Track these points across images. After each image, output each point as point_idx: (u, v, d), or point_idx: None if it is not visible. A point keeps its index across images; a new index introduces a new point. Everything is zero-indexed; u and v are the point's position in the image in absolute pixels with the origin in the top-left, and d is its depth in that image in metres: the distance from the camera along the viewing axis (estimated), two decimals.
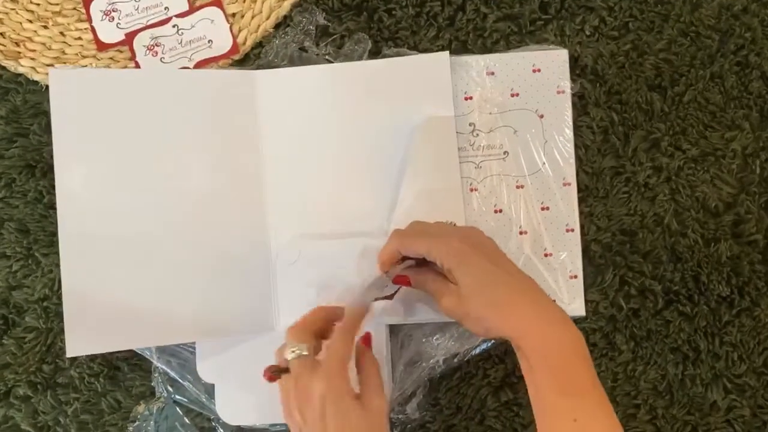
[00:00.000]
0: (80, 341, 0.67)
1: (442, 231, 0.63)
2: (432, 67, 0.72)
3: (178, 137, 0.71)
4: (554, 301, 0.59)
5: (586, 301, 0.72)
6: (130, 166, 0.70)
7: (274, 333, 0.71)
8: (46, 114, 0.75)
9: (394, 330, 0.73)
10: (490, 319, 0.58)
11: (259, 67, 0.75)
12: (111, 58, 0.76)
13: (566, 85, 0.73)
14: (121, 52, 0.76)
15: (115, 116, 0.70)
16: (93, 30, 0.76)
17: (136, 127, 0.71)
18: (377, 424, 0.57)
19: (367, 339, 0.65)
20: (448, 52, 0.73)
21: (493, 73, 0.73)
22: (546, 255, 0.72)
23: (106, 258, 0.69)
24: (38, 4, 0.76)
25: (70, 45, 0.76)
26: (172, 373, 0.72)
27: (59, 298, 0.74)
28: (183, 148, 0.71)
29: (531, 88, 0.73)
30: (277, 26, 0.76)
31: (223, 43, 0.75)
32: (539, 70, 0.73)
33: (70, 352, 0.68)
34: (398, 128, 0.72)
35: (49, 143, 0.74)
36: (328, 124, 0.73)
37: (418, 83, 0.72)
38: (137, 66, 0.75)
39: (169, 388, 0.73)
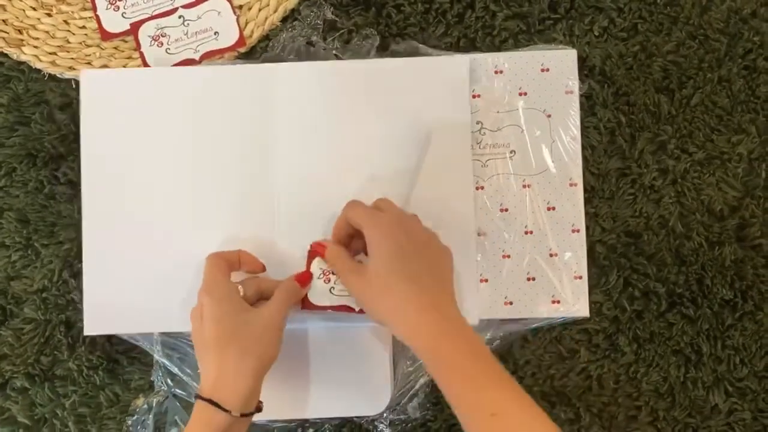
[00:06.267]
0: (98, 321, 0.71)
1: (385, 215, 0.63)
2: (451, 70, 0.72)
3: (196, 134, 0.72)
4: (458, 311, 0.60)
5: (590, 302, 0.72)
6: (154, 162, 0.72)
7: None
8: (48, 103, 0.74)
9: None
10: (385, 318, 0.59)
11: (265, 61, 0.74)
12: (115, 48, 0.75)
13: (574, 85, 0.73)
14: (125, 41, 0.75)
15: (140, 114, 0.72)
16: (97, 19, 0.75)
17: (161, 124, 0.72)
18: (258, 325, 0.61)
19: (300, 278, 0.66)
20: (468, 56, 0.72)
21: (501, 72, 0.73)
22: (551, 255, 0.72)
23: (127, 244, 0.72)
24: None
25: (74, 34, 0.75)
26: (172, 367, 0.71)
27: (58, 289, 0.73)
28: (201, 145, 0.72)
29: (539, 87, 0.73)
30: (284, 20, 0.75)
31: (229, 36, 0.74)
32: (548, 70, 0.73)
33: (88, 330, 0.72)
34: (413, 129, 0.72)
35: (51, 132, 0.74)
36: (343, 123, 0.72)
37: (436, 85, 0.72)
38: (142, 57, 0.74)
39: (169, 382, 0.72)
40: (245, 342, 0.60)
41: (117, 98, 0.72)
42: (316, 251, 0.66)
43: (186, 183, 0.72)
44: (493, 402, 0.55)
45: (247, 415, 0.60)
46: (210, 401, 0.58)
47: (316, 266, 0.67)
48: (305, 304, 0.67)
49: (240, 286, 0.64)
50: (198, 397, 0.59)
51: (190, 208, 0.72)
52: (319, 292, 0.67)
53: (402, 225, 0.62)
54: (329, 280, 0.67)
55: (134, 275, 0.71)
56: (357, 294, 0.62)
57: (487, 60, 0.73)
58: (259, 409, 0.62)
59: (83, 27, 0.75)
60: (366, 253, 0.64)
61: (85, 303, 0.71)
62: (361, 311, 0.66)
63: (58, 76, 0.74)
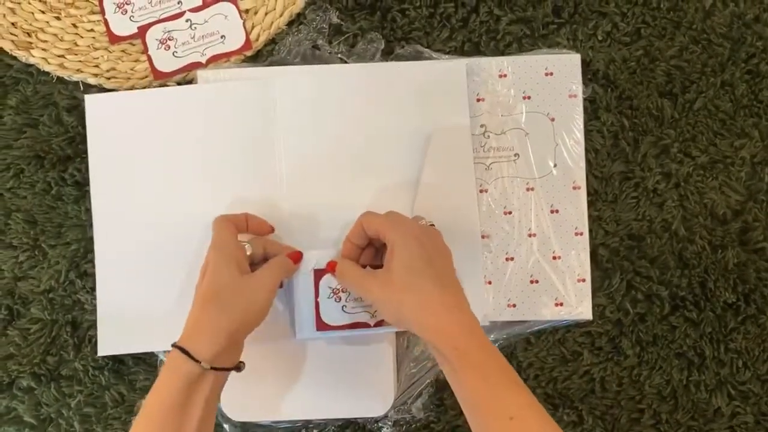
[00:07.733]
0: (112, 340, 0.73)
1: (407, 220, 0.64)
2: (448, 74, 0.73)
3: (204, 152, 0.73)
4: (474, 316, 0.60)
5: (593, 305, 0.73)
6: (161, 182, 0.73)
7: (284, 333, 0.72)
8: (56, 105, 0.75)
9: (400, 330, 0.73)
10: (409, 316, 0.59)
11: (271, 64, 0.75)
12: (123, 51, 0.76)
13: (578, 89, 0.73)
14: (133, 45, 0.76)
15: (146, 134, 0.74)
16: (106, 22, 0.75)
17: (166, 143, 0.73)
18: (246, 289, 0.62)
19: (293, 255, 0.67)
20: (465, 60, 0.73)
21: (505, 76, 0.73)
22: (554, 258, 0.72)
23: (138, 263, 0.72)
24: None
25: (82, 37, 0.76)
26: None
27: (65, 289, 0.74)
28: (209, 163, 0.73)
29: (543, 91, 0.73)
30: (290, 23, 0.76)
31: (235, 39, 0.75)
32: (551, 74, 0.73)
33: (102, 350, 0.73)
34: (413, 133, 0.72)
35: (59, 134, 0.75)
36: (342, 127, 0.73)
37: (435, 89, 0.72)
38: (149, 60, 0.75)
39: None
40: (228, 302, 0.61)
41: (121, 119, 0.74)
42: (325, 270, 0.67)
43: (191, 193, 0.73)
44: (512, 405, 0.55)
45: (220, 369, 0.60)
46: (181, 349, 0.58)
47: (325, 286, 0.67)
48: (320, 325, 0.67)
49: (247, 245, 0.65)
50: (173, 344, 0.60)
51: (195, 216, 0.72)
52: (332, 312, 0.67)
53: (424, 230, 0.63)
54: (340, 299, 0.67)
55: (146, 290, 0.72)
56: (375, 296, 0.61)
57: (491, 64, 0.74)
58: (238, 369, 0.62)
59: (91, 30, 0.76)
60: (373, 267, 0.64)
61: (99, 322, 0.72)
62: (377, 324, 0.67)
63: (66, 78, 0.75)
